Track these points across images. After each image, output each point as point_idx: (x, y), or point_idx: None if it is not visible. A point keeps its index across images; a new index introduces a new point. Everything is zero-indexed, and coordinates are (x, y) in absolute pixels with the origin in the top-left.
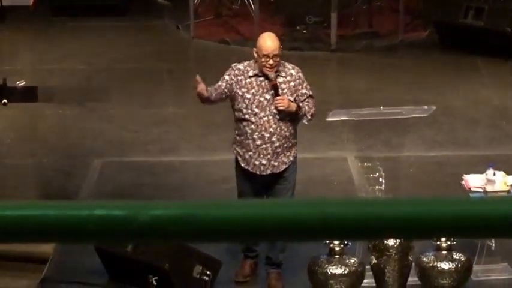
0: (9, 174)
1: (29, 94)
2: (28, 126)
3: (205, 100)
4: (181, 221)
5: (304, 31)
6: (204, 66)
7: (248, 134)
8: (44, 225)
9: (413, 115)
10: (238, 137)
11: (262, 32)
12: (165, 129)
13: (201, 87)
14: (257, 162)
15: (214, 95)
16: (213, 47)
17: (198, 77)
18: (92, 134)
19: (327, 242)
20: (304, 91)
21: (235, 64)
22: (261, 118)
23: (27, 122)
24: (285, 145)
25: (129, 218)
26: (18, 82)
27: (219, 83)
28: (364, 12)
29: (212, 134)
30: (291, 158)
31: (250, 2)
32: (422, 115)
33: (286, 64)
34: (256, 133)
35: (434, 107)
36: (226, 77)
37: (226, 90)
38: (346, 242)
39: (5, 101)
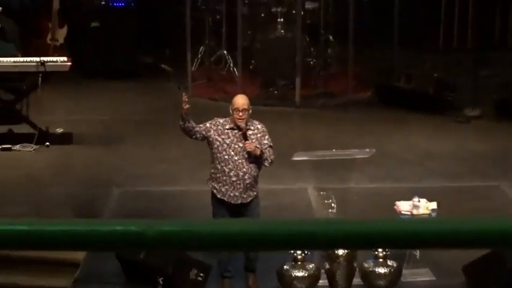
0: (49, 200)
1: (65, 138)
2: (64, 164)
3: (184, 125)
4: (181, 235)
5: (275, 91)
6: (198, 118)
7: (226, 173)
8: (76, 238)
9: (358, 156)
10: (215, 175)
11: (243, 92)
12: (168, 166)
13: (187, 108)
14: (232, 194)
15: (194, 128)
16: (205, 103)
17: (185, 97)
18: (112, 169)
19: (292, 252)
20: (266, 141)
21: (216, 118)
22: (236, 161)
23: (64, 160)
24: (252, 182)
25: (141, 233)
26: (57, 129)
27: (200, 125)
28: (321, 77)
29: (204, 169)
30: (255, 193)
31: (235, 69)
32: (365, 156)
33: (254, 121)
34: (233, 172)
35: (374, 150)
36: (208, 124)
37: (204, 132)
38: (306, 252)
39: (47, 143)
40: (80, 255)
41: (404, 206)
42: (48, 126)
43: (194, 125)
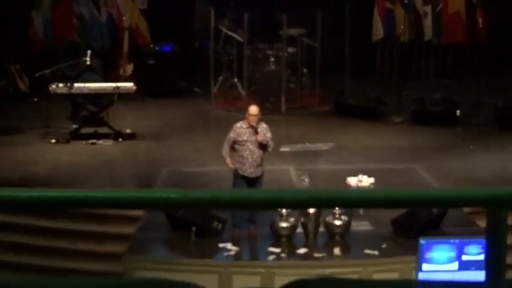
0: (119, 179)
1: (131, 136)
2: (131, 153)
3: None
4: (208, 199)
5: (268, 105)
6: (219, 122)
7: (245, 157)
8: (137, 201)
9: (323, 148)
10: (237, 159)
11: (248, 107)
12: (199, 154)
13: (230, 162)
14: (250, 171)
15: (228, 148)
16: (223, 114)
17: (230, 165)
18: (162, 156)
19: (279, 210)
20: (269, 135)
21: (234, 124)
22: (251, 149)
23: (130, 150)
24: (261, 162)
25: (180, 198)
26: (126, 130)
27: (229, 138)
28: (298, 96)
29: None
30: (262, 170)
31: (242, 91)
32: (327, 148)
33: (261, 122)
34: (250, 156)
35: (333, 144)
36: (231, 134)
37: (232, 140)
38: (289, 210)
39: (120, 139)
40: (140, 212)
41: (352, 181)
42: (120, 128)
43: (227, 145)
